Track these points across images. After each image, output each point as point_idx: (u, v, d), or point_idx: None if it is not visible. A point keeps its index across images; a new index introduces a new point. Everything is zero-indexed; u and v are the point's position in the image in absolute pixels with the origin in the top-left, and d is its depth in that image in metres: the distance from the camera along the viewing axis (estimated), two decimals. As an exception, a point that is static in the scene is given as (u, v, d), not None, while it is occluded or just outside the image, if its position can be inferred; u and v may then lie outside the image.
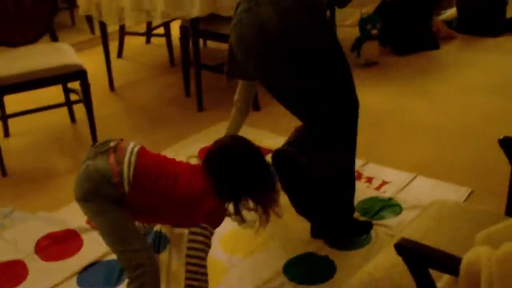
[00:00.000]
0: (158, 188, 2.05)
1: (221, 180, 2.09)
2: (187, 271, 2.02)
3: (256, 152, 2.17)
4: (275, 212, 2.16)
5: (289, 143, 2.49)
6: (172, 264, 2.46)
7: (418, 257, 1.32)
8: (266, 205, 2.14)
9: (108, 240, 2.09)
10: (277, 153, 2.46)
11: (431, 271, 1.34)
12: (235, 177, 2.11)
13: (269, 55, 2.29)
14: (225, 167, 2.11)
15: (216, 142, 2.19)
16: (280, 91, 2.38)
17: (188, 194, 2.06)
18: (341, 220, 2.54)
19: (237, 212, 2.16)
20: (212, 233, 2.05)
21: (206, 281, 2.03)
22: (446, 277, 1.40)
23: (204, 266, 2.03)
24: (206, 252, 2.04)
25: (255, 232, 2.21)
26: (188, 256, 2.02)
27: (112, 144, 2.11)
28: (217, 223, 2.09)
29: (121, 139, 2.16)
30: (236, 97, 2.84)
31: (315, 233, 2.56)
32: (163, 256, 2.51)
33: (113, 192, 2.02)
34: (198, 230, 2.03)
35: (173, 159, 2.19)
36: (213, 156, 2.14)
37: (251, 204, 2.16)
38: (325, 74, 2.32)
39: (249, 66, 2.39)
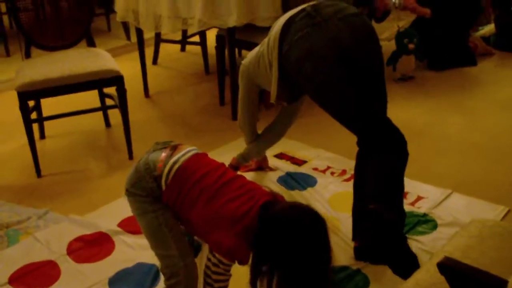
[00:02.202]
0: (192, 193, 1.94)
1: (263, 241, 1.83)
2: None
3: (323, 242, 1.82)
4: None
5: (371, 198, 2.36)
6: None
7: (461, 277, 1.28)
8: None
9: (149, 242, 2.07)
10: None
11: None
12: (278, 251, 1.80)
13: (340, 68, 2.30)
14: (276, 237, 1.80)
15: (289, 204, 1.92)
16: (339, 104, 2.37)
17: (219, 214, 1.90)
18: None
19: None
20: (228, 264, 1.93)
21: None
22: (489, 298, 1.37)
23: None
24: (221, 281, 1.97)
25: None
26: (204, 282, 2.00)
27: (173, 143, 2.09)
28: (233, 259, 1.90)
29: (185, 144, 2.12)
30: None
31: (361, 255, 2.51)
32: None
33: (154, 186, 1.99)
34: (212, 259, 1.94)
35: (237, 174, 2.05)
36: (274, 215, 1.84)
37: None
38: (374, 89, 2.40)
39: (316, 79, 2.35)
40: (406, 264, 2.35)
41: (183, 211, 1.99)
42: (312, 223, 1.81)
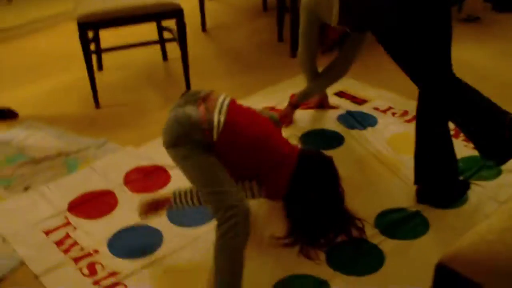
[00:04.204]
0: (249, 139, 2.06)
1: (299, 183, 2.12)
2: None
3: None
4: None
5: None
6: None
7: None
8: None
9: (199, 182, 2.06)
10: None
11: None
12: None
13: None
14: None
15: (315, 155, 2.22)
16: (400, 37, 2.21)
17: (281, 151, 2.11)
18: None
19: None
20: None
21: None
22: None
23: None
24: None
25: None
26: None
27: (202, 94, 2.14)
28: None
29: (212, 91, 2.18)
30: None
31: (423, 198, 2.44)
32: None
33: (203, 138, 2.03)
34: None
35: (265, 118, 2.24)
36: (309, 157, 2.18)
37: None
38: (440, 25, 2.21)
39: (379, 9, 2.21)
40: None
41: (240, 157, 2.09)
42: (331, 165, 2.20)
